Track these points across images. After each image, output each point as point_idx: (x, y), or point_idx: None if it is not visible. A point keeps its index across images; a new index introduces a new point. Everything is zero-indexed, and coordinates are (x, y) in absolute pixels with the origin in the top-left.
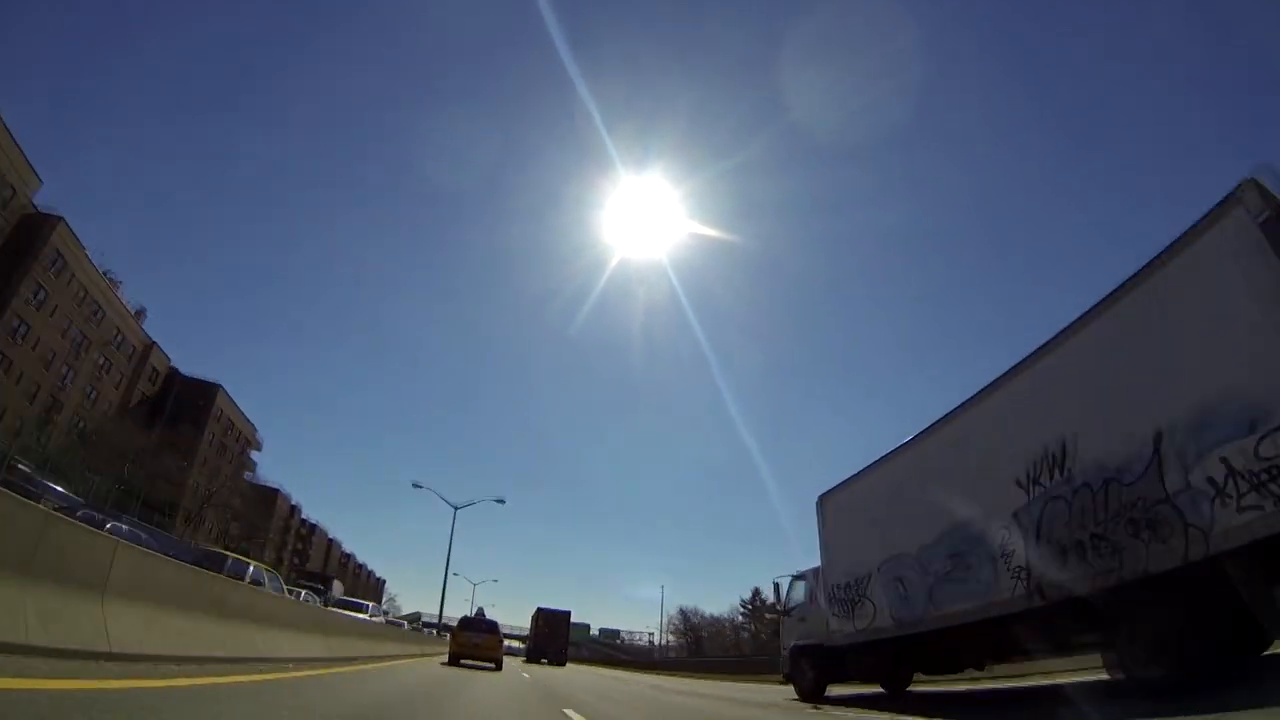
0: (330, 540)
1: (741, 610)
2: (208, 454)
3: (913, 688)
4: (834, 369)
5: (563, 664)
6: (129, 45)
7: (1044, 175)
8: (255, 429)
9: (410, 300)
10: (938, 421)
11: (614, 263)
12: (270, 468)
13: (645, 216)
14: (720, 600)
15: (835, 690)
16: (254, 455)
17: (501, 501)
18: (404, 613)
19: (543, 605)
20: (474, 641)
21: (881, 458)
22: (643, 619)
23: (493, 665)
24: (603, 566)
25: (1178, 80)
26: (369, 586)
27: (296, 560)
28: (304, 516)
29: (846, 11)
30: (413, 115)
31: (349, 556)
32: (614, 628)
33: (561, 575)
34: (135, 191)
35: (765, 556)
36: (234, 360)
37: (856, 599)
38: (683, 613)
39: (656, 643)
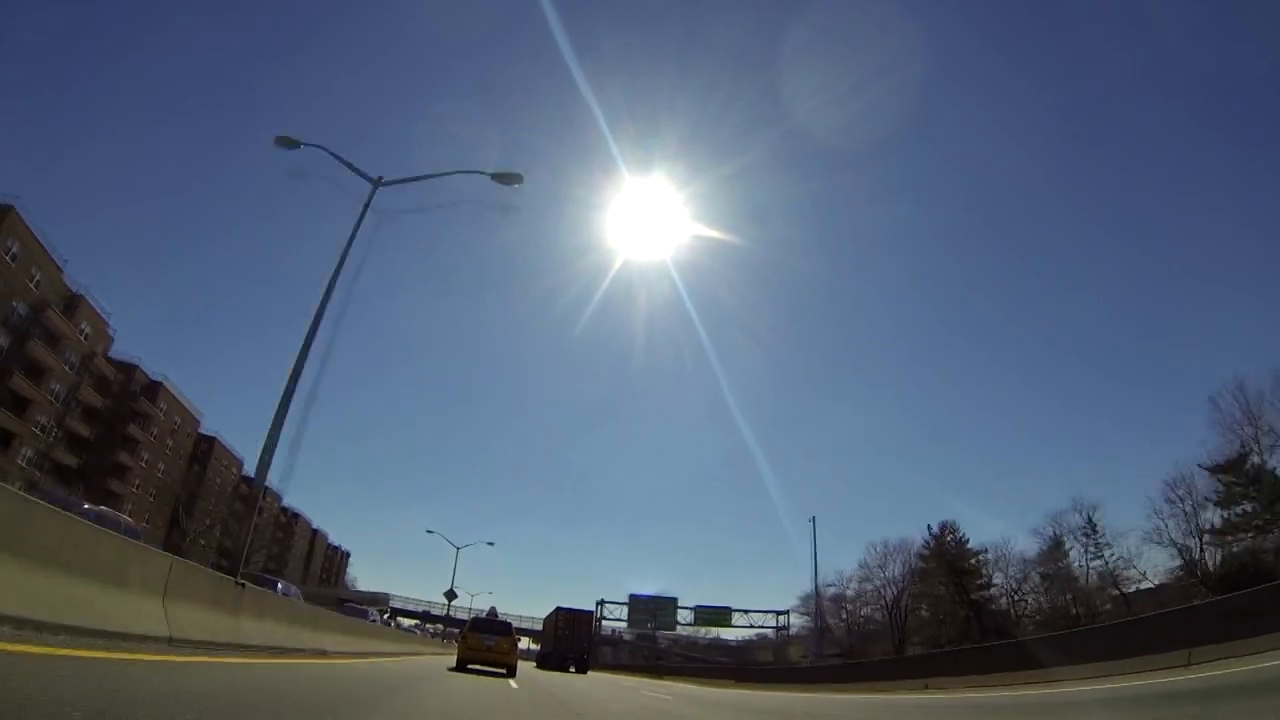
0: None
1: (923, 548)
2: None
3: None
4: (838, 369)
5: (584, 671)
6: (127, 46)
7: (1048, 174)
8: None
9: (412, 301)
10: None
11: (618, 264)
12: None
13: (649, 218)
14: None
15: None
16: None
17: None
18: (358, 589)
19: (563, 605)
20: (485, 645)
21: None
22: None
23: (504, 671)
24: (612, 567)
25: (1181, 78)
26: (330, 558)
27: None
28: (154, 378)
29: (849, 10)
30: (414, 116)
31: (293, 515)
32: (720, 604)
33: (577, 578)
34: (132, 191)
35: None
36: (231, 360)
37: None
38: (885, 547)
39: (787, 627)
